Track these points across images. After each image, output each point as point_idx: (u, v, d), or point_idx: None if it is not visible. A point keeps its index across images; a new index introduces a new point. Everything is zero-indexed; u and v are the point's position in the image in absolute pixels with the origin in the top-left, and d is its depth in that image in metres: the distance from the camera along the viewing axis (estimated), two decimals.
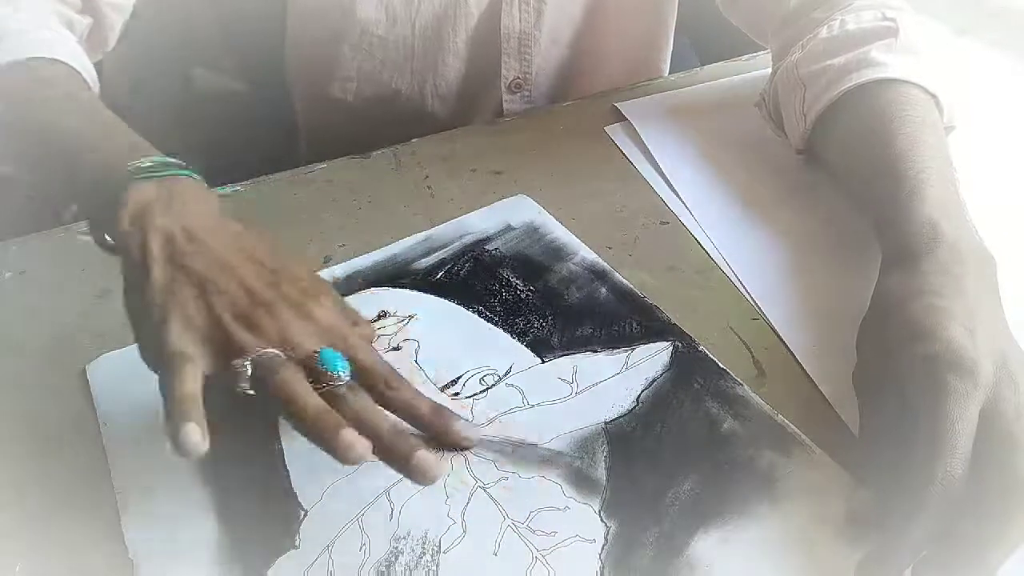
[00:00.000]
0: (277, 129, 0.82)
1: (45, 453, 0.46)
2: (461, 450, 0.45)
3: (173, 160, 0.46)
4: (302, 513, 0.43)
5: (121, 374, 0.50)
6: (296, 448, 0.46)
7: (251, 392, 0.40)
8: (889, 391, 0.43)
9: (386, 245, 0.59)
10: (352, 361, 0.42)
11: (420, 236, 0.60)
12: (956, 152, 0.55)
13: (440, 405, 0.44)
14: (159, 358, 0.40)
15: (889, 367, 0.44)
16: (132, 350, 0.51)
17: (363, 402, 0.41)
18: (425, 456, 0.40)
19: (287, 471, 0.45)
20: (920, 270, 0.46)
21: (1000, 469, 0.39)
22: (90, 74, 0.55)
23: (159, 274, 0.42)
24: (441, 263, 0.58)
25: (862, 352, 0.47)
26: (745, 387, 0.49)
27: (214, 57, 0.66)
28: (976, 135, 0.61)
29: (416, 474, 0.40)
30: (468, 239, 0.59)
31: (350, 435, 0.39)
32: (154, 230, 0.43)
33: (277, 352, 0.40)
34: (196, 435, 0.38)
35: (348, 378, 0.41)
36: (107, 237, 0.45)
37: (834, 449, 0.46)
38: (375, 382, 0.42)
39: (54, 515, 0.44)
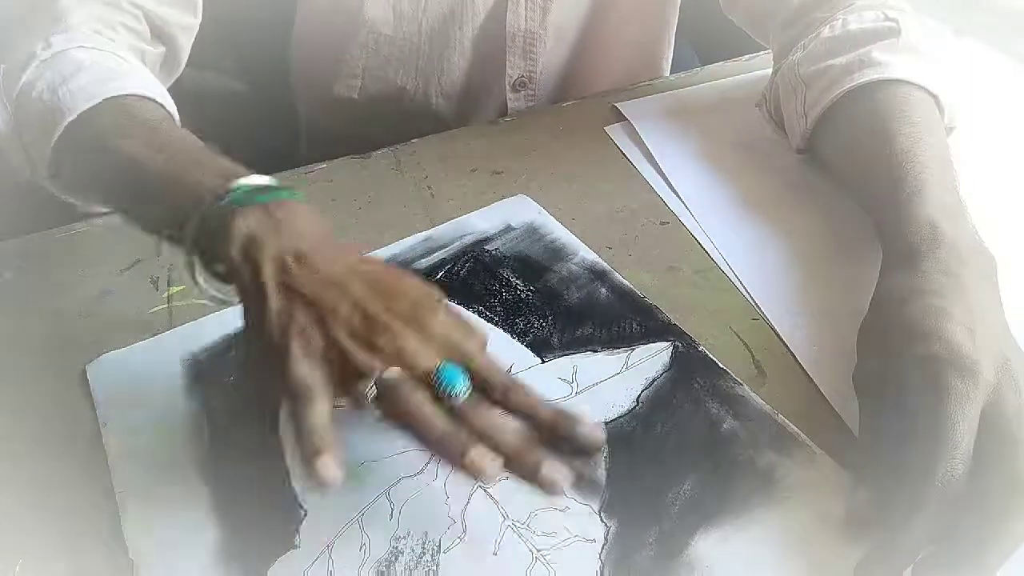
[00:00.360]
0: (277, 129, 0.82)
1: (45, 453, 0.46)
2: (590, 453, 0.42)
3: (271, 182, 0.45)
4: (302, 513, 0.43)
5: (121, 374, 0.50)
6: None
7: (378, 412, 0.40)
8: (889, 391, 0.43)
9: (386, 245, 0.59)
10: (469, 370, 0.41)
11: (420, 236, 0.60)
12: (956, 152, 0.55)
13: (561, 409, 0.41)
14: (283, 389, 0.40)
15: (889, 367, 0.44)
16: (132, 350, 0.51)
17: (485, 417, 0.40)
18: (552, 467, 0.39)
19: (287, 470, 0.45)
20: (920, 270, 0.46)
21: (1001, 469, 0.39)
22: (170, 104, 0.54)
23: (275, 303, 0.41)
24: (441, 263, 0.58)
25: (862, 352, 0.47)
26: (745, 387, 0.49)
27: (214, 57, 0.66)
28: (976, 136, 0.61)
29: (546, 485, 0.39)
30: (468, 239, 0.59)
31: (478, 456, 0.38)
32: (266, 259, 0.42)
33: (396, 373, 0.40)
34: (331, 468, 0.38)
35: (467, 393, 0.40)
36: (219, 268, 0.44)
37: (834, 449, 0.46)
38: (494, 389, 0.41)
39: (54, 515, 0.44)
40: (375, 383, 0.39)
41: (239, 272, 0.42)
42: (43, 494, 0.45)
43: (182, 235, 0.44)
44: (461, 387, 0.40)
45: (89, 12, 0.56)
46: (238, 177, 0.44)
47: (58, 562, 0.42)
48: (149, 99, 0.52)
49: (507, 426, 0.40)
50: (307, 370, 0.40)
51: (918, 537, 0.39)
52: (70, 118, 0.50)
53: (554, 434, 0.40)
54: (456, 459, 0.38)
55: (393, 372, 0.40)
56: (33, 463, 0.46)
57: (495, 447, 0.39)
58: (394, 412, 0.39)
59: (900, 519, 0.39)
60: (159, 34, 0.61)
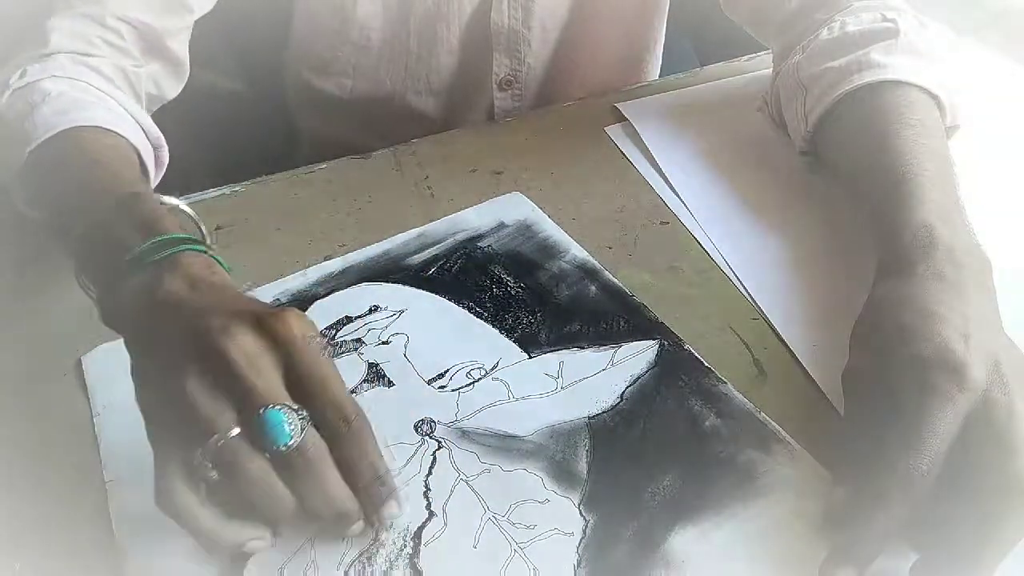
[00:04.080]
0: (277, 129, 0.83)
1: (45, 453, 0.47)
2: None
3: (173, 235, 0.43)
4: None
5: (115, 365, 0.50)
6: None
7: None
8: (877, 391, 0.43)
9: (380, 241, 0.60)
10: (305, 392, 0.39)
11: (414, 232, 0.60)
12: (956, 154, 0.54)
13: (387, 471, 0.41)
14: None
15: (879, 367, 0.44)
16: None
17: (311, 483, 0.39)
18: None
19: None
20: (915, 274, 0.46)
21: (993, 470, 0.39)
22: (131, 132, 0.54)
23: (140, 373, 0.41)
24: (434, 259, 0.58)
25: (854, 352, 0.47)
26: (728, 385, 0.49)
27: (214, 57, 0.67)
28: (976, 137, 0.61)
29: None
30: (461, 236, 0.60)
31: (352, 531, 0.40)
32: (138, 326, 0.42)
33: (226, 435, 0.38)
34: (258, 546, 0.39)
35: (294, 442, 0.38)
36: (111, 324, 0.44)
37: (833, 448, 0.45)
38: (330, 420, 0.39)
39: (51, 510, 0.45)
40: (203, 458, 0.38)
41: (125, 340, 0.43)
42: (37, 483, 0.46)
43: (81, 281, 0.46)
44: (284, 443, 0.38)
45: (73, 31, 0.57)
46: (144, 236, 0.43)
47: (56, 560, 0.43)
48: (105, 130, 0.52)
49: (330, 487, 0.39)
50: (164, 459, 0.39)
51: (879, 532, 0.39)
52: (29, 148, 0.50)
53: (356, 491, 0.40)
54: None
55: (226, 435, 0.38)
56: (33, 461, 0.47)
57: (319, 510, 0.39)
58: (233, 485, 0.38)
59: (863, 512, 0.39)
60: (149, 48, 0.61)
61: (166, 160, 0.59)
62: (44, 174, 0.51)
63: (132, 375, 0.41)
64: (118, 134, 0.53)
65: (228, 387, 0.38)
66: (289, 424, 0.38)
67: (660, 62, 0.85)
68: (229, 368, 0.38)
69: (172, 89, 0.65)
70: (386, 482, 0.41)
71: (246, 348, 0.38)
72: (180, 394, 0.38)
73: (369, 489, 0.40)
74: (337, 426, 0.39)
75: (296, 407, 0.38)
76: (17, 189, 0.53)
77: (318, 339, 0.40)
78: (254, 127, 0.82)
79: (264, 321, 0.39)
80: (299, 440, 0.38)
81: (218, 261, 0.44)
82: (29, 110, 0.52)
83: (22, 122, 0.52)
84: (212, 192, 0.64)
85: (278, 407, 0.38)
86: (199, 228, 0.47)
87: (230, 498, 0.39)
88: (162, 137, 0.58)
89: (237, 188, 0.65)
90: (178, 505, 0.38)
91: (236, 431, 0.38)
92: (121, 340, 0.51)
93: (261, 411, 0.37)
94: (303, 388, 0.39)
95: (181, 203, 0.47)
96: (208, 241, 0.46)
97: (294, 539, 0.42)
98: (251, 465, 0.38)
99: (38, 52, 0.56)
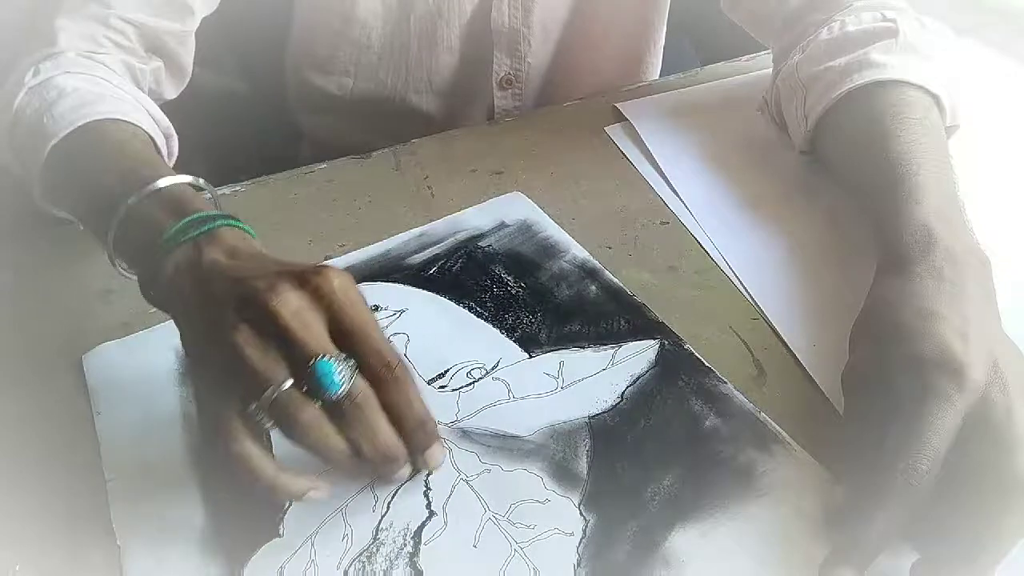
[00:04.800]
0: (277, 129, 0.83)
1: (46, 452, 0.47)
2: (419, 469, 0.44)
3: (209, 212, 0.46)
4: (287, 503, 0.44)
5: (116, 364, 0.51)
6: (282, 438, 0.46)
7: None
8: (876, 391, 0.43)
9: (381, 240, 0.60)
10: (349, 342, 0.41)
11: (415, 232, 0.60)
12: (956, 153, 0.54)
13: (430, 418, 0.43)
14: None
15: (878, 367, 0.44)
16: (127, 341, 0.52)
17: (359, 422, 0.40)
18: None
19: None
20: (914, 274, 0.46)
21: (993, 469, 0.39)
22: (147, 123, 0.56)
23: (191, 339, 0.43)
24: (434, 259, 0.58)
25: (853, 351, 0.47)
26: (729, 385, 0.49)
27: (214, 57, 0.67)
28: (976, 136, 0.61)
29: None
30: (462, 235, 0.60)
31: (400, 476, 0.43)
32: (183, 297, 0.43)
33: (280, 386, 0.39)
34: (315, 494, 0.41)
35: (345, 389, 0.40)
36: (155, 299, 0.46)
37: (833, 448, 0.45)
38: (375, 368, 0.41)
39: (52, 509, 0.45)
40: (263, 408, 0.40)
41: (171, 313, 0.45)
42: (37, 483, 0.46)
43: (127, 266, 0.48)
44: (334, 391, 0.40)
45: (80, 31, 0.58)
46: (181, 213, 0.45)
47: (56, 558, 0.43)
48: (124, 121, 0.53)
49: (379, 431, 0.41)
50: (223, 414, 0.40)
51: (878, 531, 0.39)
52: (52, 143, 0.52)
53: (408, 442, 0.42)
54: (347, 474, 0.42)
55: (279, 388, 0.40)
56: (28, 452, 0.47)
57: (370, 452, 0.41)
58: (290, 435, 0.40)
59: (862, 512, 0.39)
60: (153, 48, 0.62)
61: (176, 150, 0.60)
62: (69, 167, 0.52)
63: (184, 346, 0.44)
64: (136, 124, 0.54)
65: (278, 342, 0.40)
66: (339, 373, 0.39)
67: (660, 62, 0.85)
68: (278, 324, 0.39)
69: (172, 89, 0.65)
70: (429, 426, 0.42)
71: (292, 304, 0.40)
72: (233, 352, 0.40)
73: (414, 432, 0.42)
74: (380, 372, 0.41)
75: (343, 356, 0.40)
76: (37, 185, 0.54)
77: (358, 292, 0.42)
78: (254, 127, 0.82)
79: (306, 278, 0.41)
80: (348, 387, 0.40)
81: (249, 233, 0.46)
82: (47, 107, 0.53)
83: (40, 119, 0.53)
84: None
85: (327, 357, 0.39)
86: (216, 204, 0.49)
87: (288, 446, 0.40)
88: (172, 127, 0.59)
89: (237, 188, 0.65)
90: (246, 454, 0.40)
91: (289, 383, 0.39)
92: (121, 340, 0.52)
93: (311, 362, 0.39)
94: (347, 338, 0.41)
95: (201, 181, 0.49)
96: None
97: (297, 534, 0.43)
98: (305, 414, 0.39)
99: (45, 52, 0.57)
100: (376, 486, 0.45)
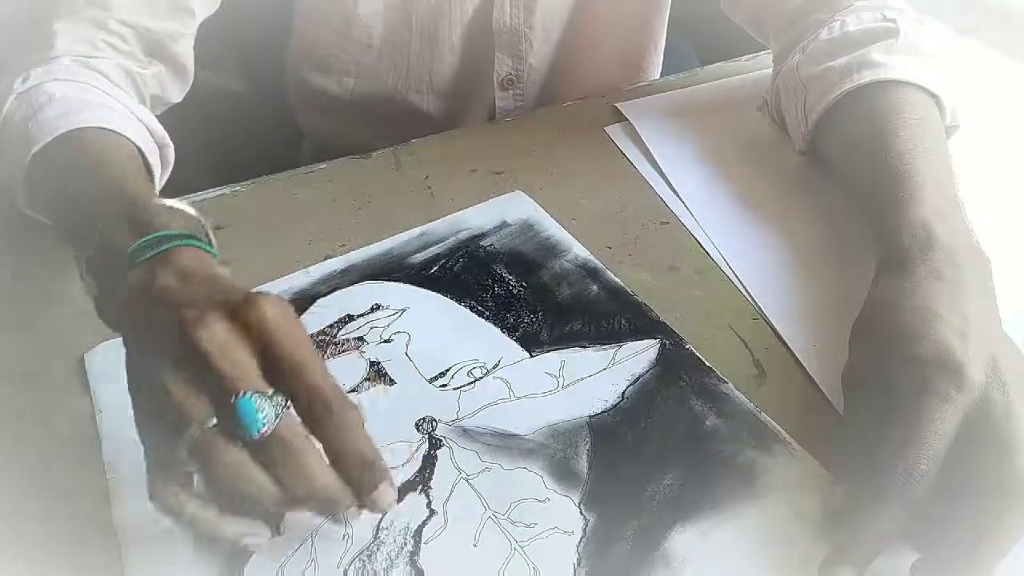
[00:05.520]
0: (277, 129, 0.83)
1: (47, 452, 0.47)
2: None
3: (168, 232, 0.43)
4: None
5: (119, 363, 0.50)
6: None
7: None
8: (875, 391, 0.43)
9: (382, 240, 0.60)
10: (283, 379, 0.38)
11: (416, 231, 0.61)
12: (956, 153, 0.55)
13: (378, 457, 0.39)
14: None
15: (878, 367, 0.44)
16: None
17: (290, 468, 0.37)
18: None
19: None
20: (914, 273, 0.46)
21: (993, 469, 0.39)
22: (136, 133, 0.54)
23: (130, 365, 0.41)
24: (436, 258, 0.58)
25: (853, 351, 0.47)
26: (730, 385, 0.49)
27: (214, 57, 0.66)
28: (976, 136, 0.61)
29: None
30: (463, 235, 0.60)
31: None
32: (130, 320, 0.42)
33: (202, 426, 0.37)
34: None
35: (269, 427, 0.37)
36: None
37: (833, 448, 0.45)
38: (308, 407, 0.38)
39: (53, 509, 0.45)
40: (185, 445, 0.37)
41: (120, 332, 0.43)
42: (38, 483, 0.46)
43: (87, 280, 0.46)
44: (257, 431, 0.37)
45: (77, 35, 0.57)
46: (142, 232, 0.43)
47: (59, 558, 0.43)
48: (109, 131, 0.52)
49: (312, 472, 0.38)
50: (151, 449, 0.39)
51: (878, 531, 0.39)
52: (34, 150, 0.51)
53: (350, 482, 0.38)
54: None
55: (202, 425, 0.37)
56: (29, 452, 0.47)
57: (304, 495, 0.38)
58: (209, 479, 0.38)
59: (862, 512, 0.39)
60: (153, 51, 0.61)
61: (172, 160, 0.59)
62: (48, 176, 0.51)
63: (126, 371, 0.41)
64: (121, 134, 0.53)
65: (202, 377, 0.37)
66: (261, 412, 0.37)
67: (662, 62, 0.85)
68: (201, 358, 0.37)
69: (176, 92, 0.65)
70: (374, 465, 0.39)
71: (217, 337, 0.37)
72: (157, 387, 0.38)
73: (358, 472, 0.38)
74: (316, 409, 0.38)
75: (270, 392, 0.37)
76: (21, 191, 0.53)
77: (295, 321, 0.39)
78: (254, 127, 0.82)
79: (238, 309, 0.38)
80: (272, 427, 0.37)
81: (212, 254, 0.44)
82: (33, 113, 0.52)
83: (26, 125, 0.52)
84: (212, 192, 0.64)
85: (249, 394, 0.37)
86: (203, 227, 0.46)
87: (212, 491, 0.38)
88: (167, 136, 0.58)
89: (237, 188, 0.65)
90: (167, 501, 0.38)
91: (212, 422, 0.37)
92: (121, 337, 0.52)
93: (232, 399, 0.36)
94: (279, 372, 0.38)
95: (183, 205, 0.46)
96: (212, 239, 0.45)
97: (296, 536, 0.42)
98: (225, 456, 0.37)
99: (42, 56, 0.56)
100: (318, 540, 0.42)
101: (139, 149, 0.54)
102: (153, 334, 0.39)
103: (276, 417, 0.37)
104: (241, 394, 0.36)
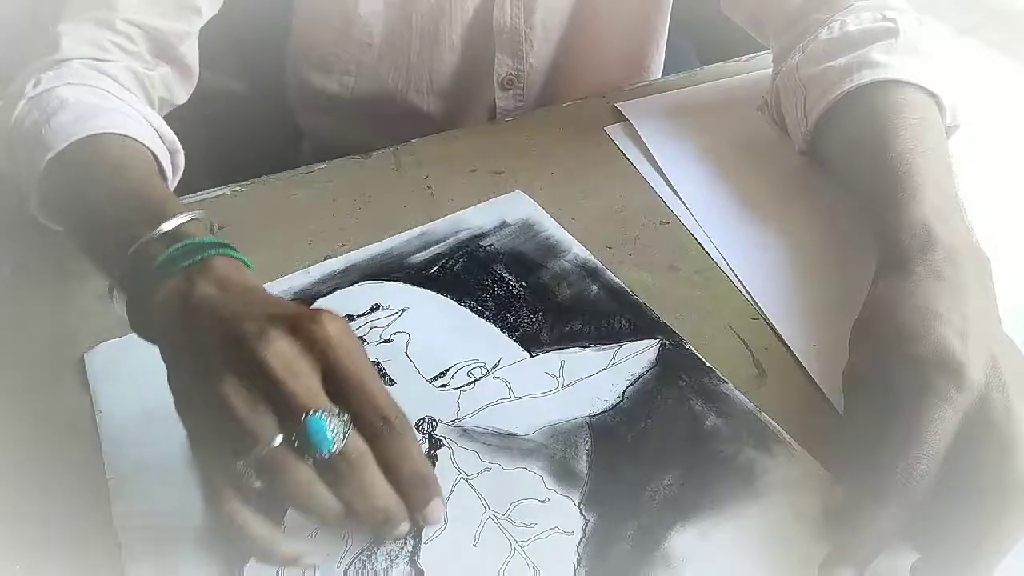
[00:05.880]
0: (277, 129, 0.83)
1: (47, 452, 0.47)
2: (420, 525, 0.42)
3: (203, 239, 0.43)
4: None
5: (118, 363, 0.51)
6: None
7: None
8: (876, 391, 0.43)
9: (382, 240, 0.60)
10: (344, 395, 0.39)
11: (416, 231, 0.61)
12: (956, 153, 0.54)
13: (431, 473, 0.41)
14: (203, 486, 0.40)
15: (878, 367, 0.44)
16: (130, 339, 0.51)
17: (355, 486, 0.38)
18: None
19: None
20: (914, 273, 0.46)
21: (992, 469, 0.39)
22: (149, 138, 0.54)
23: (180, 382, 0.40)
24: (436, 258, 0.58)
25: (853, 351, 0.47)
26: (730, 385, 0.49)
27: (214, 57, 0.66)
28: (976, 136, 0.61)
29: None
30: (463, 235, 0.60)
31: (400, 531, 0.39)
32: (172, 332, 0.41)
33: (269, 444, 0.37)
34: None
35: (338, 446, 0.38)
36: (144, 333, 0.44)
37: (833, 448, 0.45)
38: (370, 420, 0.39)
39: (53, 509, 0.45)
40: (251, 464, 0.37)
41: (158, 345, 0.42)
42: (38, 482, 0.46)
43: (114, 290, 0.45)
44: (327, 450, 0.37)
45: (84, 36, 0.57)
46: (173, 240, 0.43)
47: (58, 559, 0.43)
48: (124, 136, 0.52)
49: (375, 490, 0.39)
50: (210, 469, 0.39)
51: (878, 531, 0.39)
52: (49, 156, 0.50)
53: (405, 497, 0.39)
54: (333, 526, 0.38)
55: (270, 444, 0.37)
56: (28, 452, 0.47)
57: (367, 513, 0.39)
58: (277, 493, 0.38)
59: (862, 512, 0.39)
60: (159, 52, 0.61)
61: (182, 165, 0.59)
62: (63, 183, 0.51)
63: (170, 383, 0.40)
64: (136, 140, 0.52)
65: (268, 394, 0.37)
66: (331, 430, 0.37)
67: (663, 61, 0.85)
68: (268, 375, 0.37)
69: (182, 93, 0.65)
70: (429, 481, 0.40)
71: (283, 353, 0.38)
72: (220, 404, 0.37)
73: (413, 489, 0.40)
74: (377, 426, 0.39)
75: (337, 411, 0.38)
76: (34, 197, 0.53)
77: (354, 339, 0.40)
78: (254, 127, 0.82)
79: (299, 324, 0.38)
80: (341, 445, 0.37)
81: (245, 262, 0.44)
82: (46, 118, 0.52)
83: (39, 130, 0.51)
84: (212, 192, 0.64)
85: (319, 413, 0.37)
86: (212, 231, 0.47)
87: (277, 506, 0.39)
88: (177, 141, 0.58)
89: (237, 188, 0.65)
90: (239, 521, 0.38)
91: (279, 439, 0.37)
92: (122, 337, 0.52)
93: (303, 418, 0.37)
94: (341, 390, 0.38)
95: (197, 213, 0.46)
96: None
97: (298, 532, 0.42)
98: (296, 474, 0.37)
99: (50, 58, 0.56)
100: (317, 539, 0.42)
101: (153, 154, 0.54)
102: (205, 348, 0.39)
103: (344, 435, 0.38)
104: (312, 412, 0.37)
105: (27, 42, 0.57)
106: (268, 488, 0.38)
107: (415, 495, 0.40)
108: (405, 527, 0.40)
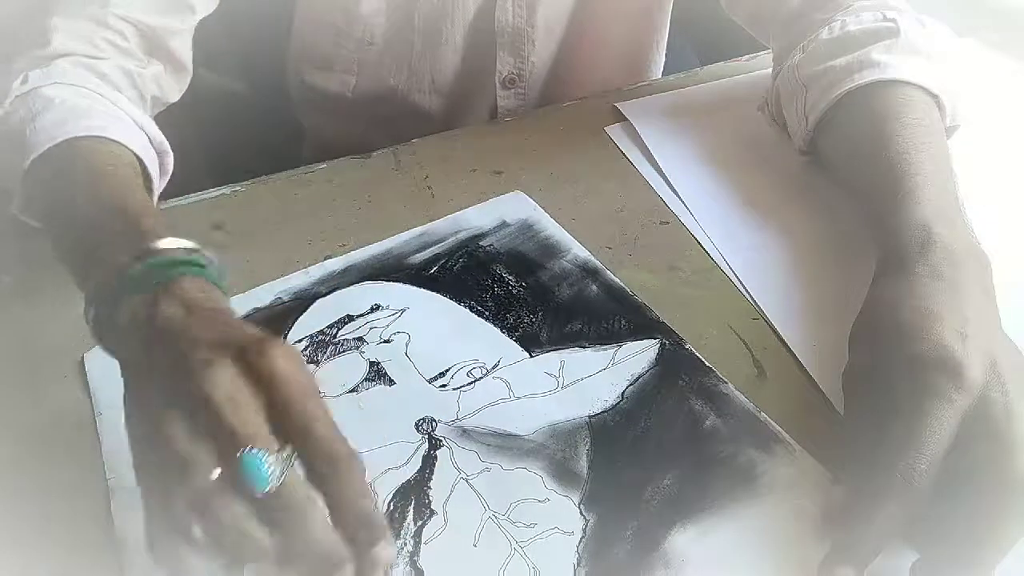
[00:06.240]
0: (277, 129, 0.83)
1: (47, 452, 0.47)
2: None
3: (172, 258, 0.42)
4: None
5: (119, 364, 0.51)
6: None
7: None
8: (876, 391, 0.43)
9: (382, 240, 0.60)
10: (291, 432, 0.37)
11: (416, 231, 0.61)
12: (956, 153, 0.54)
13: (376, 514, 0.37)
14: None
15: (878, 367, 0.44)
16: None
17: (291, 526, 0.36)
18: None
19: None
20: (913, 273, 0.46)
21: (992, 469, 0.39)
22: (134, 141, 0.53)
23: (131, 401, 0.39)
24: (436, 258, 0.58)
25: (853, 352, 0.47)
26: (729, 385, 0.49)
27: (214, 57, 0.66)
28: (977, 136, 0.61)
29: None
30: (463, 235, 0.60)
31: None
32: (131, 354, 0.40)
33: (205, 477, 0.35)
34: None
35: (274, 484, 0.35)
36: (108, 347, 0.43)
37: (833, 448, 0.45)
38: (314, 463, 0.36)
39: (53, 510, 0.45)
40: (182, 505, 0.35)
41: (119, 361, 0.41)
42: (38, 483, 0.46)
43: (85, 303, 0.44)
44: (263, 488, 0.35)
45: (76, 32, 0.56)
46: (144, 255, 0.42)
47: (56, 560, 0.43)
48: (110, 140, 0.51)
49: (311, 534, 0.36)
50: (150, 497, 0.37)
51: (877, 531, 0.39)
52: (32, 156, 0.49)
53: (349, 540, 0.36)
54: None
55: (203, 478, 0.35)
56: (29, 453, 0.47)
57: (303, 553, 0.35)
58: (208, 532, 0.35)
59: (862, 512, 0.39)
60: (151, 49, 0.60)
61: (171, 167, 0.58)
62: (44, 185, 0.50)
63: (124, 404, 0.40)
64: (121, 143, 0.52)
65: (208, 428, 0.36)
66: (268, 468, 0.35)
67: (664, 61, 0.85)
68: (209, 408, 0.35)
69: (175, 91, 0.64)
70: (374, 522, 0.37)
71: (226, 386, 0.36)
72: (159, 434, 0.36)
73: (358, 531, 0.37)
74: (324, 468, 0.36)
75: (278, 448, 0.36)
76: (18, 196, 0.52)
77: (304, 373, 0.38)
78: (255, 127, 0.82)
79: (248, 357, 0.37)
80: (277, 483, 0.35)
81: (215, 281, 0.42)
82: (31, 118, 0.51)
83: (24, 130, 0.51)
84: (212, 192, 0.64)
85: (256, 450, 0.35)
86: (203, 255, 0.44)
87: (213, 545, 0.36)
88: (166, 143, 0.57)
89: (237, 188, 0.65)
90: (164, 552, 0.36)
91: (216, 473, 0.35)
92: None
93: (239, 455, 0.35)
94: (288, 427, 0.36)
95: (181, 241, 0.44)
96: (216, 267, 0.43)
97: None
98: (228, 510, 0.35)
99: (40, 54, 0.55)
100: (375, 484, 0.44)
101: (138, 158, 0.53)
102: (157, 373, 0.38)
103: (282, 473, 0.36)
104: (247, 449, 0.35)
105: (17, 34, 0.56)
106: (200, 524, 0.35)
107: (360, 537, 0.36)
108: (350, 571, 0.37)
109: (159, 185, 0.57)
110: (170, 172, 0.58)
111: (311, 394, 0.37)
